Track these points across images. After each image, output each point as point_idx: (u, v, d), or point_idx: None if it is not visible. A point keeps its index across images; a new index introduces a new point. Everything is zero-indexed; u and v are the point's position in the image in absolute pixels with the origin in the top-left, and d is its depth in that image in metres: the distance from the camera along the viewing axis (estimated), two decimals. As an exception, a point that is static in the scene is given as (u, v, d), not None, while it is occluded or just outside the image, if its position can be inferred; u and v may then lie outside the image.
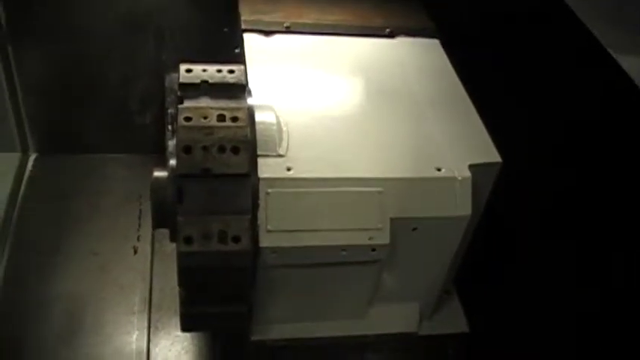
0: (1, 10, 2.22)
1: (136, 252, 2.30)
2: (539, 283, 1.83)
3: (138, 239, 2.33)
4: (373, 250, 1.52)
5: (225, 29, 2.24)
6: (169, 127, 2.15)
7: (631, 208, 1.53)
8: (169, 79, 2.28)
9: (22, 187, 2.47)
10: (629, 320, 1.51)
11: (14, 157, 2.55)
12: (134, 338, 2.05)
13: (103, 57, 2.40)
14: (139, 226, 2.38)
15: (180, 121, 1.44)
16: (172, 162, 1.49)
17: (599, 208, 1.66)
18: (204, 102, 1.49)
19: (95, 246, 2.29)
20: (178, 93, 1.53)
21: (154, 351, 2.02)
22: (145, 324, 2.09)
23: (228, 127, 1.43)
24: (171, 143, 2.10)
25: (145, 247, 2.31)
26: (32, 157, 2.59)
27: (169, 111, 2.19)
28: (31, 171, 2.54)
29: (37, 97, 2.47)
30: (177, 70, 2.13)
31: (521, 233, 1.93)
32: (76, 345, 2.02)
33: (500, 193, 1.67)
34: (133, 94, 2.50)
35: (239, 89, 1.53)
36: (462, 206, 1.54)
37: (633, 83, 1.49)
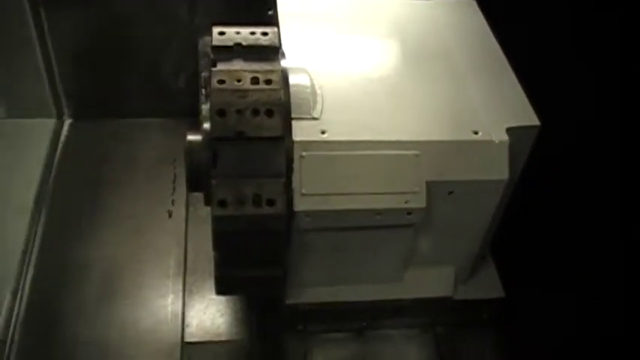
0: None
1: (170, 215, 2.28)
2: (576, 249, 1.81)
3: (172, 203, 2.32)
4: (409, 213, 1.51)
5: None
6: (203, 90, 2.17)
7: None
8: (202, 43, 2.29)
9: (58, 153, 2.45)
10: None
11: (49, 123, 2.52)
12: (169, 301, 2.04)
13: (136, 21, 2.36)
14: (174, 190, 2.36)
15: (214, 84, 1.44)
16: (206, 125, 1.50)
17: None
18: (237, 65, 1.49)
19: (130, 209, 2.28)
20: (211, 56, 1.52)
21: (188, 314, 2.00)
22: (180, 287, 2.07)
23: (262, 90, 1.43)
24: (205, 107, 2.10)
25: (179, 210, 2.29)
26: (67, 123, 2.56)
27: (203, 74, 2.20)
28: (66, 136, 2.52)
29: (71, 62, 2.44)
30: (210, 33, 2.14)
31: (558, 198, 1.90)
32: (113, 306, 2.02)
33: (536, 156, 1.64)
34: (167, 58, 2.47)
35: (272, 52, 1.52)
36: (499, 170, 1.52)
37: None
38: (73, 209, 2.28)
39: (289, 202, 1.44)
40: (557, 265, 1.90)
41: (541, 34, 1.95)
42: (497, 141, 1.51)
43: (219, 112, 1.39)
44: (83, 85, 2.53)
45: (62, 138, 2.52)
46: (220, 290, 1.61)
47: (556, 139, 1.64)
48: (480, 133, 1.52)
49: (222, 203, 1.37)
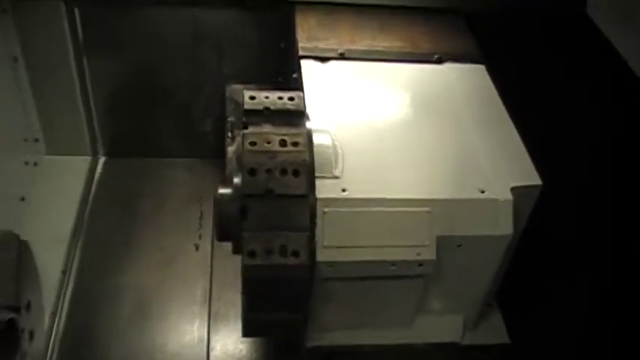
0: (79, 26, 2.27)
1: (197, 249, 2.34)
2: (578, 300, 1.85)
3: (199, 237, 2.37)
4: (420, 265, 1.55)
5: (282, 45, 2.29)
6: (229, 134, 2.23)
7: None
8: (229, 90, 2.39)
9: (93, 188, 2.52)
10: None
11: (85, 161, 2.59)
12: (195, 327, 2.10)
13: (168, 69, 2.43)
14: (200, 225, 2.42)
15: (246, 145, 1.48)
16: (236, 180, 1.55)
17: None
18: (266, 128, 1.53)
19: (160, 242, 2.34)
20: (243, 119, 1.57)
21: (213, 339, 2.07)
22: (206, 314, 2.13)
23: (289, 152, 1.48)
24: (230, 149, 2.17)
25: (205, 244, 2.35)
26: (101, 161, 2.64)
27: (229, 119, 2.27)
28: (100, 173, 2.59)
29: (107, 104, 2.51)
30: (237, 81, 2.20)
31: (561, 250, 1.94)
32: (143, 329, 2.08)
33: (540, 211, 1.68)
34: (196, 103, 2.53)
35: (298, 115, 1.57)
36: (503, 226, 1.56)
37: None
38: (106, 240, 2.34)
39: (312, 253, 1.48)
40: (558, 313, 1.93)
41: (543, 98, 2.00)
42: (502, 199, 1.55)
43: (250, 172, 1.44)
44: (117, 125, 2.60)
45: (97, 175, 2.58)
46: (246, 332, 1.65)
47: (557, 196, 1.67)
48: (486, 192, 1.56)
49: (252, 254, 1.42)
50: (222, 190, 1.58)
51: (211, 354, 2.02)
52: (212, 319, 2.12)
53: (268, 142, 1.48)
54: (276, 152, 1.47)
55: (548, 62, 2.05)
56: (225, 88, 2.39)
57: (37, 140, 2.47)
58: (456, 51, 1.99)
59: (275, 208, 1.44)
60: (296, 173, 1.45)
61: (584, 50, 1.91)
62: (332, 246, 1.50)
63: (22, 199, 2.31)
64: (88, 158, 2.61)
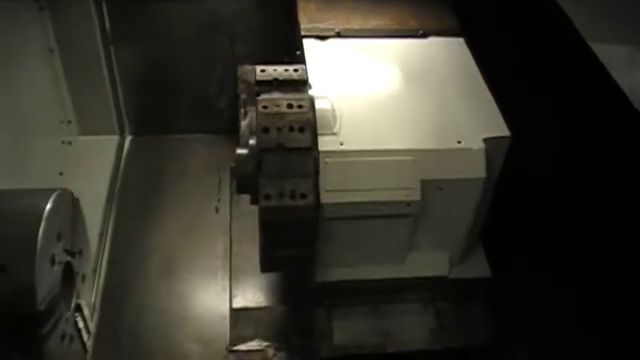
0: (107, 18, 2.55)
1: (217, 211, 2.62)
2: (552, 239, 2.13)
3: (218, 201, 2.65)
4: (408, 205, 1.84)
5: (285, 25, 2.53)
6: (241, 110, 2.47)
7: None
8: (241, 70, 2.56)
9: (122, 163, 2.80)
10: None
11: (114, 139, 2.88)
12: (219, 277, 2.39)
13: (186, 53, 2.70)
14: (219, 191, 2.69)
15: (259, 109, 1.79)
16: (252, 141, 1.83)
17: (595, 170, 1.97)
18: (276, 94, 1.83)
19: (184, 206, 2.62)
20: (256, 88, 1.87)
21: (235, 287, 2.31)
22: (227, 266, 2.39)
23: (296, 113, 1.78)
24: (243, 123, 2.41)
25: (224, 207, 2.62)
26: (128, 139, 2.93)
27: (241, 97, 2.52)
28: (127, 150, 2.87)
29: (132, 88, 2.78)
30: (247, 62, 2.48)
31: (532, 198, 2.22)
32: (173, 281, 2.36)
33: (514, 164, 1.96)
34: (211, 83, 2.81)
35: (302, 84, 1.87)
36: (477, 171, 1.85)
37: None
38: (136, 207, 2.63)
39: (317, 196, 1.77)
40: (534, 250, 2.19)
41: (515, 64, 2.30)
42: (476, 148, 1.84)
43: (264, 130, 1.75)
44: (142, 107, 2.86)
45: (124, 151, 2.86)
46: (264, 268, 1.94)
47: (527, 148, 1.96)
48: (462, 143, 1.85)
49: (267, 197, 1.72)
50: (239, 151, 1.88)
51: (234, 300, 2.27)
52: (233, 271, 2.37)
53: (277, 106, 1.79)
54: (284, 113, 1.77)
55: (520, 37, 2.34)
56: (237, 68, 2.66)
57: (70, 122, 2.74)
58: (438, 27, 2.27)
59: (285, 159, 1.74)
60: (302, 130, 1.76)
61: (552, 30, 2.18)
62: (333, 190, 1.80)
63: (61, 173, 2.57)
64: (116, 137, 2.88)
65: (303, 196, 1.73)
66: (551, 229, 2.18)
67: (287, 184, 1.74)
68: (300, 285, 2.19)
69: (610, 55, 1.85)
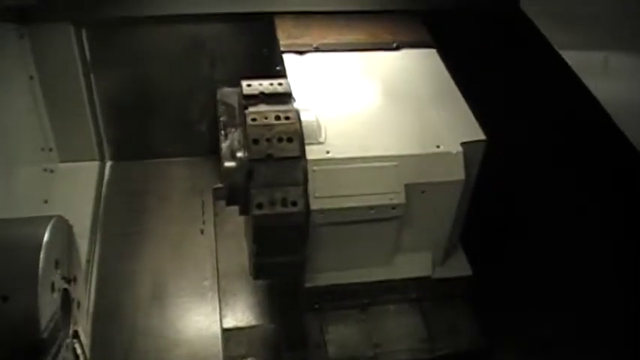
0: (86, 45, 2.68)
1: (202, 233, 2.71)
2: (528, 239, 2.32)
3: (203, 223, 2.75)
4: (393, 208, 1.99)
5: (265, 50, 2.71)
6: (222, 132, 2.53)
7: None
8: (220, 93, 2.73)
9: (104, 189, 2.89)
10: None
11: (94, 165, 2.98)
12: (208, 298, 2.47)
13: (166, 78, 2.83)
14: (203, 212, 2.80)
15: (248, 121, 1.92)
16: (239, 154, 1.98)
17: (568, 168, 2.15)
18: (263, 107, 1.97)
19: (169, 230, 2.69)
20: (243, 102, 1.99)
21: (224, 307, 2.40)
22: (215, 287, 2.48)
23: (283, 124, 1.92)
24: (224, 145, 2.51)
25: (209, 229, 2.72)
26: (108, 164, 3.02)
27: (221, 119, 2.60)
28: (108, 175, 2.97)
29: (112, 114, 2.89)
30: (227, 85, 2.64)
31: (509, 200, 2.40)
32: (163, 305, 2.42)
33: (488, 168, 2.13)
34: (192, 106, 2.94)
35: (287, 96, 2.02)
36: (456, 173, 2.02)
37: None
38: (121, 232, 2.70)
39: (307, 203, 1.90)
40: (511, 250, 2.38)
41: (486, 73, 2.50)
42: (454, 152, 2.01)
43: (254, 141, 1.88)
44: (122, 132, 2.97)
45: (106, 177, 2.95)
46: (257, 275, 2.07)
47: (503, 151, 2.13)
48: (442, 147, 2.01)
49: (260, 206, 1.85)
50: (227, 164, 2.02)
51: (224, 320, 2.35)
52: (221, 292, 2.45)
53: (266, 118, 1.93)
54: (272, 125, 1.92)
55: (489, 47, 2.56)
56: (217, 91, 2.74)
57: (51, 149, 2.84)
58: (411, 39, 2.46)
59: (275, 168, 1.89)
60: (290, 140, 1.90)
61: (519, 38, 2.39)
62: (322, 196, 1.94)
63: (45, 201, 2.67)
64: (97, 163, 2.98)
65: (294, 203, 1.88)
66: (527, 228, 2.37)
67: (278, 192, 1.88)
68: (290, 298, 2.31)
69: (579, 61, 2.05)
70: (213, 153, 2.78)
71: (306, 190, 1.93)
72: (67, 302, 1.75)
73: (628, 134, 1.72)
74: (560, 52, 2.09)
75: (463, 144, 2.04)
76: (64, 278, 1.72)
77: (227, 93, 2.76)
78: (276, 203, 1.88)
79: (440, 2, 2.67)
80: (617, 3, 2.04)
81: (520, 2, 2.39)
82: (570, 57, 2.07)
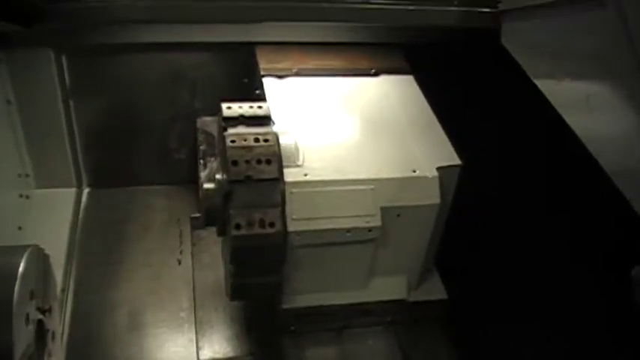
0: (66, 71, 2.78)
1: (179, 263, 2.80)
2: (502, 264, 2.46)
3: (180, 253, 2.83)
4: (369, 230, 2.12)
5: (245, 80, 2.84)
6: (201, 160, 2.70)
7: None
8: (200, 122, 2.90)
9: (80, 216, 2.97)
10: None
11: (71, 192, 3.05)
12: (185, 330, 2.53)
13: (145, 105, 2.95)
14: (181, 243, 2.88)
15: (228, 143, 2.04)
16: (218, 176, 2.11)
17: (538, 197, 2.31)
18: (242, 129, 2.11)
19: (146, 259, 2.79)
20: (222, 124, 2.12)
21: (201, 339, 2.48)
22: (192, 318, 2.55)
23: (262, 146, 2.05)
24: (203, 174, 2.63)
25: (186, 259, 2.81)
26: (85, 191, 3.10)
27: (200, 147, 2.76)
28: (85, 203, 3.05)
29: (91, 141, 2.98)
30: (207, 114, 2.78)
31: (482, 225, 2.54)
32: (139, 336, 2.50)
33: (463, 193, 2.28)
34: (171, 135, 3.04)
35: (266, 119, 2.15)
36: (432, 197, 2.16)
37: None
38: (97, 261, 2.75)
39: (284, 225, 2.02)
40: (486, 274, 2.51)
41: (463, 100, 2.68)
42: (430, 176, 2.15)
43: (233, 163, 2.00)
44: (100, 159, 3.05)
45: (82, 204, 3.03)
46: (234, 296, 2.18)
47: (477, 175, 2.26)
48: (418, 172, 2.15)
49: (238, 226, 1.97)
50: (207, 185, 2.15)
51: (200, 352, 2.43)
52: (198, 323, 2.53)
53: (245, 140, 2.05)
54: (251, 147, 2.04)
55: (467, 77, 2.74)
56: (196, 120, 2.91)
57: (27, 175, 2.91)
58: (389, 66, 2.63)
59: (254, 189, 2.01)
60: (269, 162, 2.03)
61: (499, 70, 2.56)
62: (299, 218, 2.07)
63: (20, 228, 2.73)
64: (74, 190, 3.07)
65: (272, 224, 2.00)
66: (501, 250, 2.51)
67: (256, 213, 2.00)
68: (267, 328, 2.43)
69: (558, 95, 2.20)
70: (192, 182, 2.95)
71: (283, 212, 2.05)
72: (41, 333, 1.77)
73: (602, 162, 1.84)
74: (537, 83, 2.23)
75: (439, 168, 2.18)
76: (38, 309, 1.74)
77: (207, 122, 2.91)
78: (254, 224, 2.00)
79: (420, 36, 2.83)
80: (601, 39, 2.19)
81: (501, 38, 2.56)
82: (548, 90, 2.20)
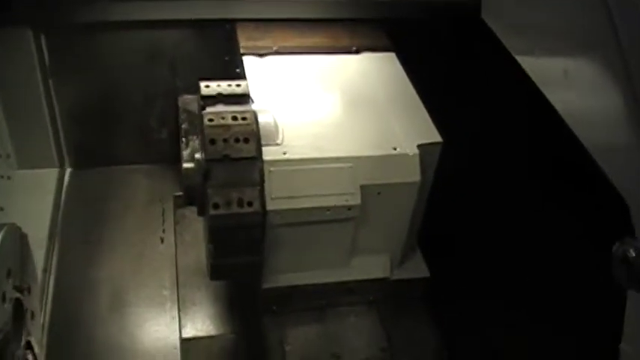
0: (45, 50, 2.75)
1: (162, 241, 2.79)
2: (482, 243, 2.44)
3: (163, 231, 2.82)
4: (349, 209, 2.10)
5: (226, 58, 2.80)
6: (183, 139, 2.56)
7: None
8: (182, 100, 2.74)
9: (63, 196, 2.95)
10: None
11: (53, 172, 3.01)
12: (167, 308, 2.53)
13: (126, 85, 2.90)
14: (163, 221, 2.88)
15: (206, 122, 2.02)
16: (197, 155, 2.08)
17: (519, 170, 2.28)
18: (220, 108, 2.08)
19: (129, 238, 2.77)
20: (200, 102, 2.10)
21: (184, 318, 2.46)
22: (175, 297, 2.54)
23: (240, 125, 2.02)
24: (185, 153, 2.59)
25: (169, 237, 2.79)
26: (68, 171, 3.07)
27: (182, 126, 2.62)
28: (68, 183, 3.03)
29: (72, 119, 2.95)
30: (188, 92, 2.73)
31: (464, 203, 2.53)
32: (121, 315, 2.46)
33: (448, 171, 2.26)
34: (152, 114, 3.02)
35: (245, 98, 2.13)
36: (412, 174, 2.14)
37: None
38: (80, 241, 2.74)
39: (263, 204, 2.00)
40: (468, 252, 2.51)
41: (443, 77, 2.64)
42: (410, 154, 2.12)
43: (211, 141, 1.98)
44: (82, 139, 3.03)
45: (65, 184, 3.00)
46: (214, 276, 2.16)
47: (458, 153, 2.25)
48: (398, 149, 2.13)
49: (216, 206, 1.95)
50: (186, 165, 2.12)
51: (183, 330, 2.41)
52: (181, 301, 2.52)
53: (223, 118, 2.03)
54: (229, 125, 2.02)
55: (449, 53, 2.71)
56: (177, 98, 2.77)
57: (9, 156, 2.89)
58: (370, 43, 2.60)
59: (232, 168, 1.99)
60: (247, 141, 2.01)
61: (479, 45, 2.52)
62: (278, 197, 2.05)
63: (1, 209, 2.68)
64: (56, 170, 3.04)
65: (250, 203, 1.98)
66: (484, 228, 2.51)
67: (234, 192, 1.98)
68: (250, 306, 2.41)
69: (534, 66, 2.17)
70: (175, 161, 2.79)
71: (262, 191, 2.03)
72: (19, 312, 1.76)
73: (581, 138, 1.83)
74: (517, 58, 2.20)
75: (419, 146, 2.16)
76: (16, 288, 1.73)
77: (188, 100, 2.78)
78: (233, 203, 1.97)
79: (401, 11, 2.80)
80: (579, 12, 2.15)
81: (482, 12, 2.52)
82: (527, 65, 2.17)
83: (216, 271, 2.15)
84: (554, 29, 2.05)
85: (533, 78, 2.04)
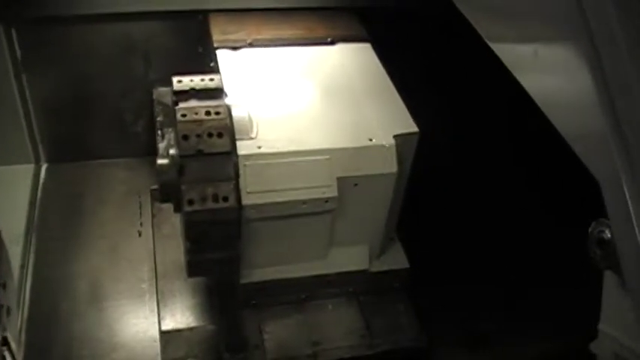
0: (17, 45, 2.68)
1: (140, 235, 2.73)
2: (461, 232, 2.41)
3: (140, 225, 2.79)
4: (326, 201, 2.07)
5: (200, 49, 2.75)
6: (158, 132, 2.54)
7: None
8: (157, 93, 2.76)
9: (39, 192, 2.90)
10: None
11: (29, 168, 2.97)
12: (146, 300, 2.49)
13: (100, 78, 2.85)
14: (140, 214, 2.84)
15: (178, 117, 1.98)
16: (172, 151, 2.03)
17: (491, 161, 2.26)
18: (193, 103, 2.04)
19: (106, 232, 2.73)
20: (173, 98, 2.06)
21: (163, 310, 2.42)
22: (154, 289, 2.50)
23: (213, 120, 1.98)
24: (161, 146, 2.54)
25: (147, 230, 2.75)
26: (44, 167, 3.00)
27: (158, 119, 2.64)
28: (44, 178, 2.97)
29: (47, 114, 2.88)
30: (162, 85, 2.68)
31: (442, 195, 2.50)
32: (100, 308, 2.45)
33: (426, 162, 2.22)
34: (127, 107, 2.97)
35: (218, 92, 2.09)
36: (389, 165, 2.10)
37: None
38: (57, 236, 2.69)
39: (239, 199, 1.97)
40: (448, 242, 2.49)
41: (419, 67, 2.60)
42: (387, 145, 2.09)
43: (184, 137, 1.94)
44: (57, 134, 2.97)
45: (41, 180, 2.95)
46: (191, 273, 2.12)
47: (436, 143, 2.23)
48: (374, 140, 2.09)
49: (191, 202, 1.91)
50: (160, 161, 2.07)
51: (163, 323, 2.37)
52: (159, 293, 2.48)
53: (196, 113, 1.99)
54: (202, 120, 1.98)
55: (425, 42, 2.66)
56: (153, 91, 2.78)
57: None
58: (345, 34, 2.56)
59: (206, 163, 1.95)
60: (220, 135, 1.97)
61: (453, 32, 2.48)
62: (254, 191, 2.01)
63: None
64: (31, 166, 2.99)
65: (225, 198, 1.94)
66: (463, 218, 2.49)
67: (209, 188, 1.94)
68: (229, 298, 2.36)
69: (505, 50, 2.13)
70: (151, 154, 2.75)
71: (237, 186, 1.99)
72: None
73: (552, 119, 1.81)
74: (489, 43, 2.17)
75: (396, 136, 2.12)
76: None
77: (163, 93, 2.78)
78: (208, 199, 1.94)
79: (377, 1, 2.77)
80: None
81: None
82: (499, 49, 2.14)
83: (193, 268, 2.11)
84: (523, 10, 2.03)
85: (504, 61, 2.01)
